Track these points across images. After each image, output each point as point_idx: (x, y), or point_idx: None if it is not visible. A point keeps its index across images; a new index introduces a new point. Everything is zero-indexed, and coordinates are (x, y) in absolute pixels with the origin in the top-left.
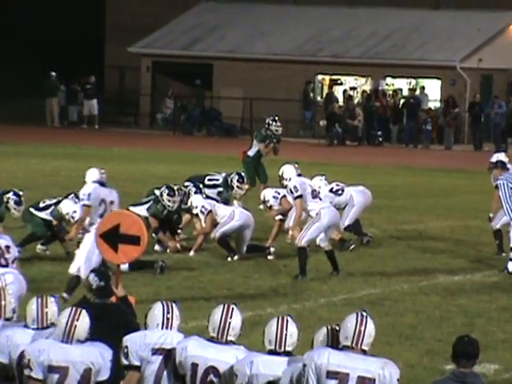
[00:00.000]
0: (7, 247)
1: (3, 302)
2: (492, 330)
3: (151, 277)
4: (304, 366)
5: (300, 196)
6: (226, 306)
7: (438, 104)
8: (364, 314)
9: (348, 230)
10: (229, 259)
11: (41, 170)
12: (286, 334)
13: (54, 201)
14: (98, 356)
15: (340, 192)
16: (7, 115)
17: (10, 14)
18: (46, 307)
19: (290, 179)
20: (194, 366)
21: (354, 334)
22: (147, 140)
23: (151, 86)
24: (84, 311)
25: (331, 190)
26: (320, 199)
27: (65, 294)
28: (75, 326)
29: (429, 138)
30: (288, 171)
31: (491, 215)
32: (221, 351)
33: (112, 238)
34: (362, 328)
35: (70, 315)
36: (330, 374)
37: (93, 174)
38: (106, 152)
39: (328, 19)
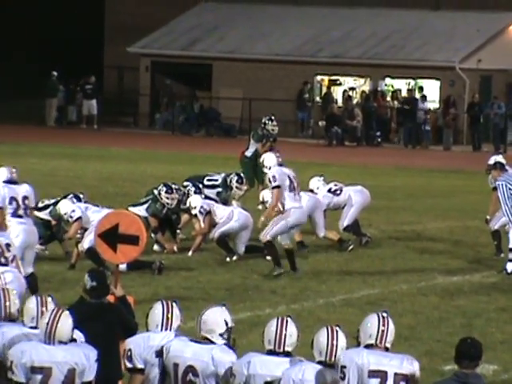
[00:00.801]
0: (7, 245)
1: (7, 303)
2: (491, 330)
3: (150, 277)
4: (343, 367)
5: (278, 186)
6: (214, 306)
7: (437, 105)
8: (385, 314)
9: (347, 230)
10: (227, 259)
11: (39, 169)
12: (285, 334)
13: (53, 201)
14: (82, 356)
15: (338, 192)
16: (6, 115)
17: (8, 14)
18: (44, 306)
19: (270, 168)
20: (175, 366)
21: (378, 332)
22: (146, 140)
23: (150, 86)
24: (66, 312)
25: (329, 190)
26: (296, 194)
27: None
28: (56, 327)
29: (428, 139)
30: (268, 159)
31: (488, 217)
32: (198, 350)
33: (111, 237)
34: (385, 328)
35: (51, 316)
36: (371, 373)
37: (2, 174)
38: (105, 152)
39: (328, 20)
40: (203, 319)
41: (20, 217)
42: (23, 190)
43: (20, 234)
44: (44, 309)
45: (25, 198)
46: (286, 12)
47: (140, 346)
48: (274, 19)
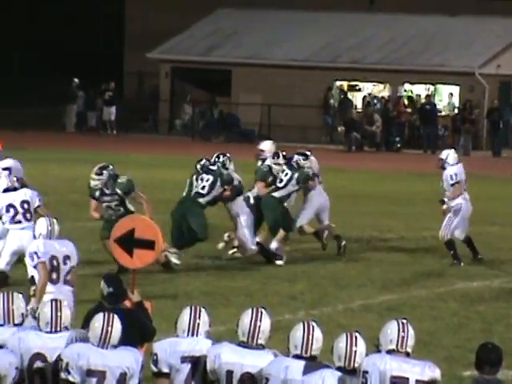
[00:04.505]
0: (66, 258)
1: (12, 307)
2: (510, 336)
3: (170, 282)
4: (365, 372)
5: None
6: (255, 309)
7: (456, 110)
8: (404, 321)
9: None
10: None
11: (59, 175)
12: (312, 339)
13: None
14: (133, 361)
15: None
16: (26, 121)
17: (31, 21)
18: (60, 311)
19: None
20: (229, 372)
21: (398, 338)
22: (166, 146)
23: (170, 92)
24: (116, 316)
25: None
26: None
27: None
28: (110, 332)
29: (444, 145)
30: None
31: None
32: (257, 357)
33: (127, 242)
34: (404, 334)
35: (103, 321)
36: (393, 379)
37: (1, 184)
38: (124, 158)
39: (346, 25)
40: (262, 328)
41: (19, 222)
42: (21, 195)
43: (16, 241)
44: (59, 313)
45: (24, 202)
46: (304, 17)
47: (166, 351)
48: (292, 25)
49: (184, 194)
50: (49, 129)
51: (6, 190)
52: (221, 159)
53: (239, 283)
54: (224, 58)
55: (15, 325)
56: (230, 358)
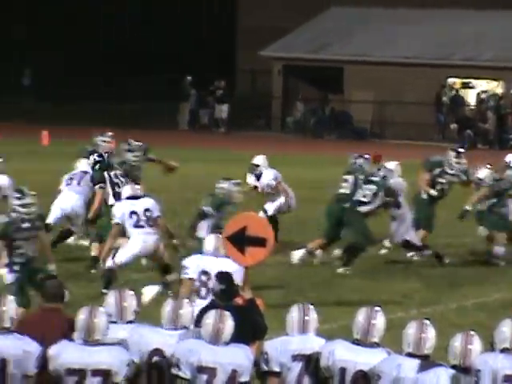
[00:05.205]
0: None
1: (125, 304)
2: None
3: (283, 280)
4: (477, 371)
5: None
6: (370, 308)
7: None
8: None
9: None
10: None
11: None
12: (424, 338)
13: None
14: (245, 358)
15: None
16: (138, 118)
17: (32, 24)
18: (181, 309)
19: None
20: (342, 370)
21: None
22: (278, 143)
23: (282, 90)
24: (228, 314)
25: None
26: None
27: (104, 290)
28: (222, 328)
29: None
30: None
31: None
32: (371, 354)
33: (239, 240)
34: None
35: (215, 317)
36: (506, 378)
37: (125, 191)
38: (238, 155)
39: (458, 22)
40: (377, 327)
41: (141, 227)
42: (144, 203)
43: (139, 243)
44: (180, 312)
45: (146, 210)
46: (414, 15)
47: (277, 350)
48: (403, 22)
49: (341, 190)
50: (161, 126)
51: (129, 198)
52: (382, 173)
53: (353, 281)
54: (336, 56)
55: (128, 322)
56: (344, 355)
